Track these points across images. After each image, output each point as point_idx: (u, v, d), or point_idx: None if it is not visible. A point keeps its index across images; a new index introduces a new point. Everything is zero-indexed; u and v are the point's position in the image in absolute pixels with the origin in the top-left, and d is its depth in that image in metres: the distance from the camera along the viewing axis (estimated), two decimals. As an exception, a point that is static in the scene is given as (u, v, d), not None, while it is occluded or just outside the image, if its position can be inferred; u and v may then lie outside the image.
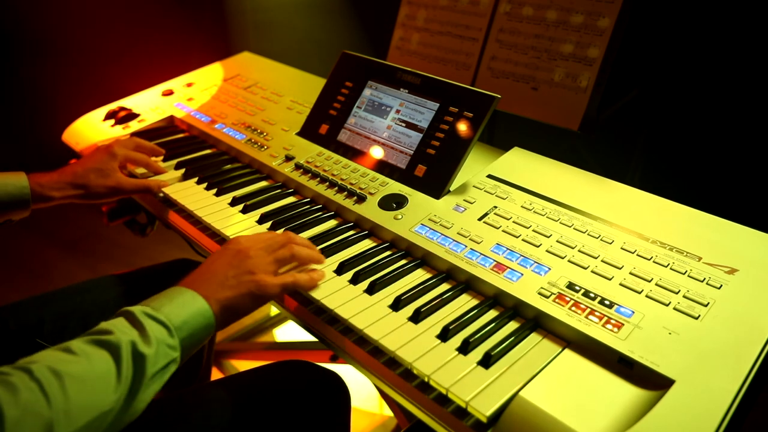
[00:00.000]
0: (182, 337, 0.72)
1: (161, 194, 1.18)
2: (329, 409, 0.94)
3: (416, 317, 0.81)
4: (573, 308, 0.78)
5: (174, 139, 1.42)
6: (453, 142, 1.07)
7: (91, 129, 1.50)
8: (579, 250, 0.88)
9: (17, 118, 2.84)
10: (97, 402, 0.61)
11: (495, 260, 0.88)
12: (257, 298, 0.81)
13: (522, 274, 0.85)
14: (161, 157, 1.29)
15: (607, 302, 0.78)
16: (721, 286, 0.79)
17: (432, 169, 1.08)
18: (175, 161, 1.29)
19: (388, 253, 0.97)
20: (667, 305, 0.77)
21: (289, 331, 2.12)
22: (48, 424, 0.57)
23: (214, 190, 1.17)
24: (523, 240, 0.92)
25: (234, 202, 1.13)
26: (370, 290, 0.87)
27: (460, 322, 0.79)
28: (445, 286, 0.89)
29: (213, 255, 0.86)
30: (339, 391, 0.96)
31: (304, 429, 0.91)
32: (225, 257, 0.84)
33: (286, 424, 0.89)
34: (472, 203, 1.01)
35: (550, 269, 0.85)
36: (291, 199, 1.15)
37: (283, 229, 1.03)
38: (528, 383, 0.70)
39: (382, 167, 1.14)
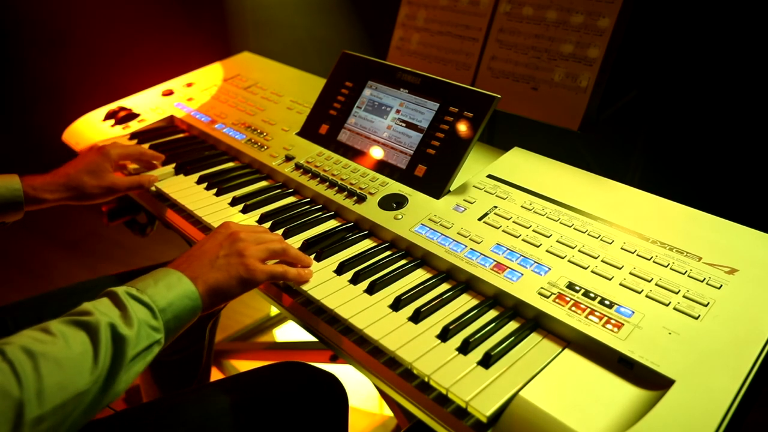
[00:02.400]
0: (166, 318, 0.72)
1: (153, 188, 1.18)
2: (327, 411, 0.94)
3: (416, 317, 0.81)
4: (573, 308, 0.78)
5: (174, 139, 1.42)
6: (453, 142, 1.07)
7: (91, 129, 1.50)
8: (579, 250, 0.88)
9: (17, 118, 2.84)
10: (71, 383, 0.61)
11: (495, 260, 0.88)
12: (245, 281, 0.81)
13: (522, 274, 0.85)
14: (161, 160, 1.28)
15: (607, 302, 0.78)
16: (721, 286, 0.79)
17: (432, 169, 1.08)
18: (175, 161, 1.29)
19: (388, 253, 0.97)
20: (667, 305, 0.77)
21: (289, 331, 2.12)
22: (18, 405, 0.57)
23: (214, 190, 1.17)
24: (523, 240, 0.92)
25: (234, 202, 1.13)
26: (370, 290, 0.87)
27: (460, 322, 0.79)
28: (445, 286, 0.89)
29: (204, 238, 0.86)
30: (336, 392, 0.96)
31: (302, 431, 0.91)
32: (216, 239, 0.84)
33: (283, 426, 0.89)
34: (472, 203, 1.01)
35: (550, 269, 0.85)
36: (291, 199, 1.15)
37: (282, 229, 1.03)
38: (528, 383, 0.70)
39: (382, 167, 1.14)
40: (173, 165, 1.27)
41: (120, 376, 0.66)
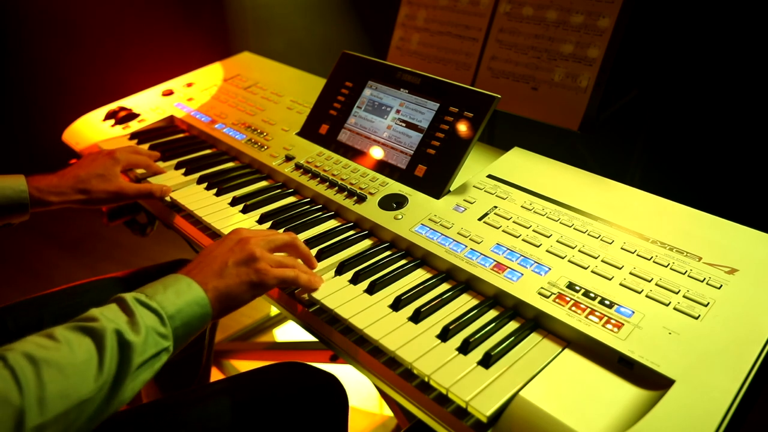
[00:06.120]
0: (175, 326, 0.71)
1: (168, 199, 1.16)
2: (326, 412, 0.94)
3: (416, 317, 0.81)
4: (573, 308, 0.78)
5: (174, 139, 1.42)
6: (453, 142, 1.07)
7: (91, 129, 1.50)
8: (579, 250, 0.88)
9: (17, 118, 2.84)
10: (75, 391, 0.60)
11: (495, 260, 0.88)
12: (255, 286, 0.80)
13: (522, 274, 0.85)
14: (158, 159, 1.28)
15: (607, 302, 0.78)
16: (721, 286, 0.79)
17: (432, 169, 1.08)
18: (175, 161, 1.29)
19: (388, 253, 0.97)
20: (667, 305, 0.77)
21: (289, 331, 2.12)
22: (18, 412, 0.55)
23: (214, 190, 1.17)
24: (523, 240, 0.92)
25: (234, 202, 1.13)
26: (370, 290, 0.87)
27: (460, 322, 0.79)
28: (445, 286, 0.89)
29: (213, 243, 0.85)
30: (336, 393, 0.95)
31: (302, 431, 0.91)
32: (226, 245, 0.83)
33: (283, 426, 0.89)
34: (472, 203, 1.01)
35: (550, 269, 0.85)
36: (291, 199, 1.15)
37: (282, 229, 1.03)
38: (528, 383, 0.70)
39: (382, 167, 1.14)
40: (178, 170, 1.26)
41: (126, 384, 0.65)
